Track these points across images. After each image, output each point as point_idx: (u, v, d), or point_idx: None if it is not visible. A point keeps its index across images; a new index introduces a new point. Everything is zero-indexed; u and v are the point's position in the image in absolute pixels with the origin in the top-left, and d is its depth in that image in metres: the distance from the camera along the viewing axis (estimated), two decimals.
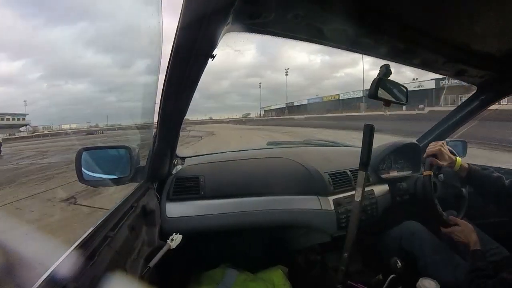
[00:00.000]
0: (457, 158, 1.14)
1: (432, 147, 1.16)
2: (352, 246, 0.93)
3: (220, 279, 1.09)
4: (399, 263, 1.01)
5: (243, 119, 57.91)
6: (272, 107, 56.75)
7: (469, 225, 1.07)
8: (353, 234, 0.92)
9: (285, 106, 56.47)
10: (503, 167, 1.49)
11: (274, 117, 50.51)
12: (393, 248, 1.19)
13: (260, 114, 61.34)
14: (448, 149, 1.17)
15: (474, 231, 1.03)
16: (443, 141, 1.17)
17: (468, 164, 1.12)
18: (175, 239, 0.86)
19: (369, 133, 0.86)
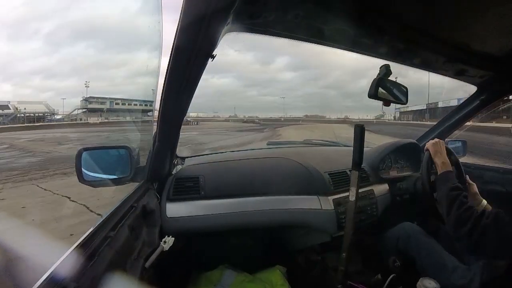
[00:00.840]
0: (483, 200, 1.09)
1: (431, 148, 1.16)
2: (349, 246, 0.93)
3: (218, 280, 1.09)
4: (398, 262, 1.01)
5: (374, 121, 48.67)
6: (409, 108, 43.66)
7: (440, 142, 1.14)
8: (350, 234, 0.92)
9: (425, 107, 41.13)
10: (503, 167, 1.50)
11: (411, 122, 38.36)
12: (390, 249, 1.19)
13: (394, 117, 50.06)
14: (446, 149, 1.17)
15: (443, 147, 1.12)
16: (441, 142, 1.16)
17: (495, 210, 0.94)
18: (168, 241, 0.86)
19: (359, 133, 0.87)
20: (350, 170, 1.31)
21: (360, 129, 0.86)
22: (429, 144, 1.17)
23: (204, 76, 0.70)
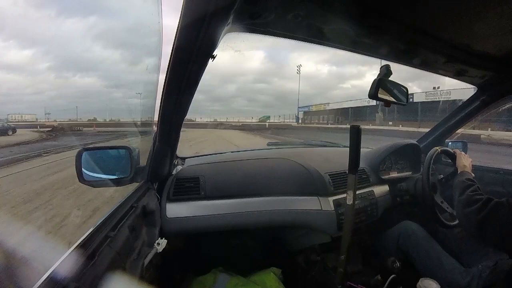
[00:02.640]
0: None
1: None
2: (348, 248, 0.93)
3: (211, 284, 1.08)
4: (397, 263, 1.01)
5: (266, 124, 39.72)
6: (329, 107, 35.92)
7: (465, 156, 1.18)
8: (349, 237, 0.92)
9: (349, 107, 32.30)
10: (504, 168, 1.49)
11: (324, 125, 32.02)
12: (391, 248, 1.19)
13: (299, 118, 41.38)
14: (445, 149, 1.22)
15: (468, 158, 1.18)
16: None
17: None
18: (161, 243, 0.86)
19: (356, 135, 0.85)
20: None
21: (356, 131, 0.85)
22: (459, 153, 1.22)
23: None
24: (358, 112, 29.09)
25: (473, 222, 0.87)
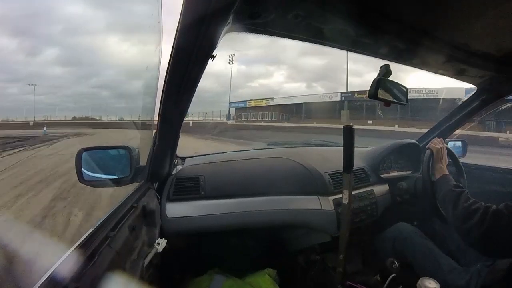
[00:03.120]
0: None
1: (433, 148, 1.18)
2: (347, 247, 0.93)
3: (207, 286, 1.08)
4: (396, 264, 1.01)
5: (190, 123, 26.77)
6: (274, 102, 30.13)
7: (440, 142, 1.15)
8: (346, 236, 0.92)
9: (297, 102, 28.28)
10: (503, 167, 1.50)
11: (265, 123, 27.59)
12: (388, 249, 1.19)
13: (231, 115, 34.41)
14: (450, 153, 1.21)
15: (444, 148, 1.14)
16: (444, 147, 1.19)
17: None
18: (161, 243, 0.86)
19: (349, 135, 0.86)
20: None
21: (349, 130, 0.85)
22: (432, 144, 1.18)
23: None
24: (316, 109, 24.29)
25: (476, 236, 0.83)
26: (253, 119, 31.94)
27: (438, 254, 1.06)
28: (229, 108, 35.30)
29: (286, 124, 25.05)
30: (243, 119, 33.38)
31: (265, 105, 31.30)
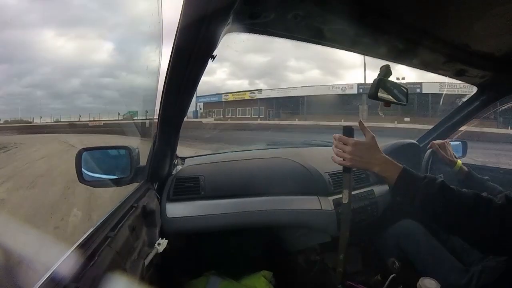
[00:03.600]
0: (458, 160, 1.12)
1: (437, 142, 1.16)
2: (347, 247, 0.93)
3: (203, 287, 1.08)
4: (397, 264, 1.01)
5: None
6: (256, 96, 25.77)
7: (367, 136, 0.81)
8: (346, 236, 0.92)
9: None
10: (504, 167, 1.50)
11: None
12: (391, 247, 1.19)
13: (198, 112, 29.49)
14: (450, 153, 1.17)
15: (373, 143, 0.79)
16: (447, 141, 1.17)
17: (468, 168, 1.10)
18: (162, 243, 0.86)
19: (348, 135, 0.85)
20: None
21: (349, 131, 0.85)
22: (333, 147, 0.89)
23: None
24: (324, 103, 20.31)
25: (493, 233, 0.65)
26: (230, 116, 26.97)
27: (442, 252, 1.06)
28: (196, 103, 29.00)
29: (285, 122, 20.05)
30: (217, 116, 28.05)
31: (249, 98, 26.07)
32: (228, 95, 28.99)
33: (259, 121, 22.41)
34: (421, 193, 0.71)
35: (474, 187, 1.04)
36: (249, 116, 25.61)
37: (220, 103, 28.76)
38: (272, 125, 19.17)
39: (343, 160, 0.79)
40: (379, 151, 0.76)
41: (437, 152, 1.18)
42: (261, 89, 26.22)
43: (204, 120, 25.06)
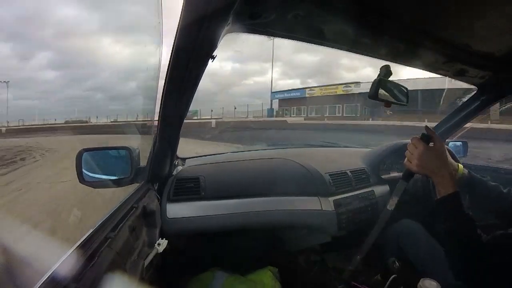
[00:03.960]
0: (459, 165, 1.05)
1: None
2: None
3: (209, 282, 1.08)
4: (397, 264, 1.01)
5: (212, 122, 20.95)
6: (352, 90, 21.09)
7: (436, 144, 0.80)
8: (373, 240, 0.93)
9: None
10: (504, 167, 1.49)
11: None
12: (391, 247, 1.19)
13: (274, 110, 26.04)
14: (451, 154, 1.13)
15: (443, 152, 0.79)
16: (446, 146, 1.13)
17: (468, 171, 1.05)
18: (162, 244, 0.86)
19: (426, 141, 0.81)
20: (350, 171, 1.32)
21: (427, 138, 0.82)
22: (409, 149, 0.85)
23: None
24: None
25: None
26: (313, 115, 22.82)
27: (442, 253, 1.06)
28: (271, 101, 25.74)
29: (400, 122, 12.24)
30: (294, 114, 24.12)
31: (342, 93, 21.66)
32: (314, 90, 25.25)
33: (363, 121, 18.23)
34: (452, 225, 0.73)
35: (475, 190, 1.05)
36: (340, 115, 21.58)
37: (301, 100, 25.06)
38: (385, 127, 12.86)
39: (410, 163, 0.81)
40: (447, 164, 0.77)
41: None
42: (358, 82, 21.37)
43: (289, 120, 21.81)
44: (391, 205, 0.89)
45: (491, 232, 0.95)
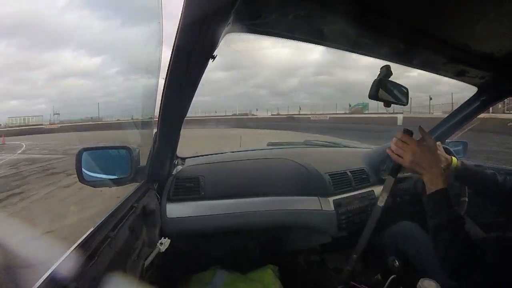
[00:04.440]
0: (453, 157, 1.06)
1: None
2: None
3: (209, 281, 1.09)
4: (397, 263, 1.01)
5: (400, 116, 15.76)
6: None
7: (428, 141, 0.81)
8: (368, 238, 0.93)
9: None
10: (504, 167, 1.49)
11: None
12: (390, 247, 1.19)
13: None
14: (444, 148, 1.14)
15: (435, 150, 0.80)
16: (437, 142, 1.13)
17: (461, 161, 1.06)
18: (164, 243, 0.86)
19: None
20: (350, 171, 1.32)
21: (409, 133, 0.83)
22: (392, 145, 0.82)
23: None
24: None
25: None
26: None
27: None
28: None
29: None
30: None
31: None
32: None
33: None
34: (440, 221, 0.73)
35: (469, 180, 1.06)
36: None
37: None
38: None
39: (402, 158, 0.79)
40: (439, 160, 0.78)
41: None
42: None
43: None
44: (381, 201, 0.89)
45: (489, 231, 0.96)
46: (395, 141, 0.81)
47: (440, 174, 0.76)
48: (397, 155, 0.80)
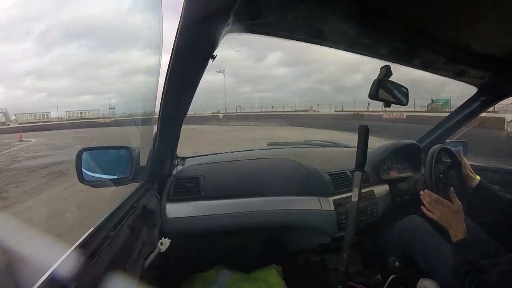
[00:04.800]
0: (477, 176, 1.17)
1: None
2: (350, 247, 0.93)
3: (213, 280, 1.09)
4: (397, 263, 1.01)
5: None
6: None
7: (455, 204, 0.95)
8: (351, 235, 0.92)
9: None
10: (504, 167, 1.49)
11: None
12: (395, 243, 1.19)
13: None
14: (446, 149, 1.21)
15: (460, 212, 0.93)
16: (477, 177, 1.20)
17: (481, 180, 1.17)
18: (164, 243, 0.86)
19: (364, 134, 0.87)
20: (350, 171, 1.32)
21: (364, 130, 0.87)
22: (425, 202, 0.99)
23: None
24: None
25: None
26: None
27: (446, 250, 1.06)
28: None
29: None
30: None
31: None
32: None
33: None
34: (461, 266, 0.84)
35: (488, 196, 1.15)
36: None
37: None
38: None
39: (433, 214, 0.97)
40: (462, 221, 0.92)
41: (462, 166, 1.20)
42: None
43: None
44: (354, 196, 0.90)
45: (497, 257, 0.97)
46: (427, 199, 0.98)
47: (462, 229, 0.90)
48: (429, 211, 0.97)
